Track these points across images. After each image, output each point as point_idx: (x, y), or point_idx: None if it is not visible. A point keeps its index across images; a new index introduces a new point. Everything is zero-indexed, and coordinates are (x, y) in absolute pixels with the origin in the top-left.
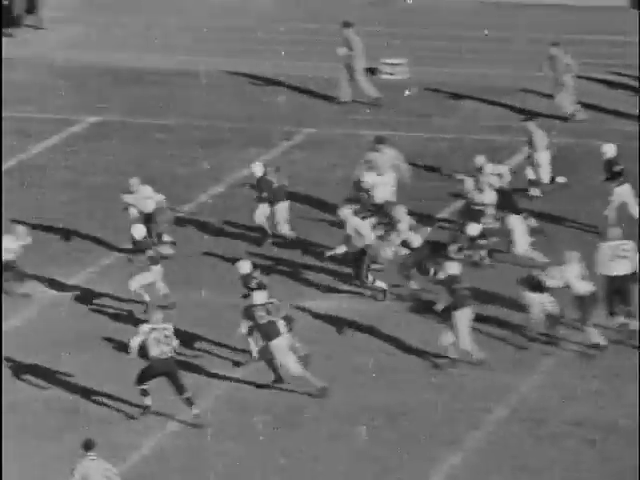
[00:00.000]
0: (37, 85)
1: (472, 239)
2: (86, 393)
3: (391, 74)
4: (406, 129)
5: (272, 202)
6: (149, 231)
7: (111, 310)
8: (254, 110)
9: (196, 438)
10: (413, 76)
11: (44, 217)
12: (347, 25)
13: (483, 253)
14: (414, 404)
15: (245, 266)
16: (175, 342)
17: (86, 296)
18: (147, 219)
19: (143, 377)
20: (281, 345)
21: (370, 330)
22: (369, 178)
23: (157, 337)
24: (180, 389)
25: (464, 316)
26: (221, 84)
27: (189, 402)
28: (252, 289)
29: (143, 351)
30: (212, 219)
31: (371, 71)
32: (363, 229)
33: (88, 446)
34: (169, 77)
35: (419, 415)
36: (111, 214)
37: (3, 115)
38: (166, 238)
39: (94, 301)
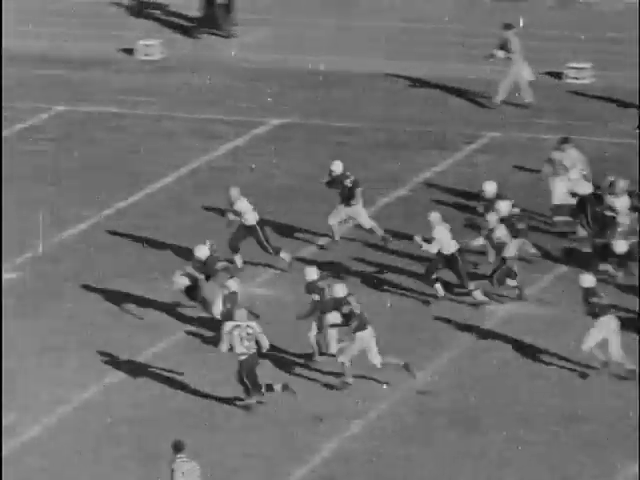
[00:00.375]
0: (224, 87)
1: (620, 256)
2: (268, 395)
3: (576, 78)
4: (587, 133)
5: (346, 203)
6: (263, 244)
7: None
8: (437, 113)
9: (377, 441)
10: (598, 80)
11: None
12: (508, 27)
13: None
14: (594, 410)
15: (312, 273)
16: (265, 342)
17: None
18: (249, 231)
19: (251, 386)
20: (367, 336)
21: (549, 335)
22: (491, 187)
23: (240, 334)
24: (256, 387)
25: (605, 325)
26: (404, 87)
27: (270, 388)
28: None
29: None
30: (394, 222)
31: (557, 75)
32: (439, 236)
33: (178, 448)
34: (353, 79)
35: (599, 422)
36: (292, 217)
37: (188, 117)
38: (284, 255)
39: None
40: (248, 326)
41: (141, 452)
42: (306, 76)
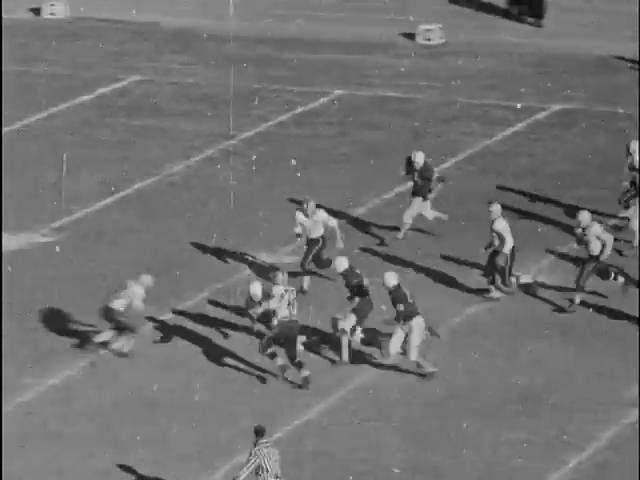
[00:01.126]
0: (504, 72)
1: None
2: (551, 381)
3: None
4: None
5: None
6: (318, 258)
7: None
8: None
9: None
10: None
11: (505, 204)
12: None
13: None
14: None
15: (343, 263)
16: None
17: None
18: (313, 244)
19: (288, 355)
20: (422, 325)
21: None
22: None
23: (288, 299)
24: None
25: None
26: None
27: (299, 365)
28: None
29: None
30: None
31: None
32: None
33: (260, 433)
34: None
35: None
36: (566, 204)
37: (468, 101)
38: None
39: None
40: (293, 291)
41: (408, 432)
42: (590, 62)
